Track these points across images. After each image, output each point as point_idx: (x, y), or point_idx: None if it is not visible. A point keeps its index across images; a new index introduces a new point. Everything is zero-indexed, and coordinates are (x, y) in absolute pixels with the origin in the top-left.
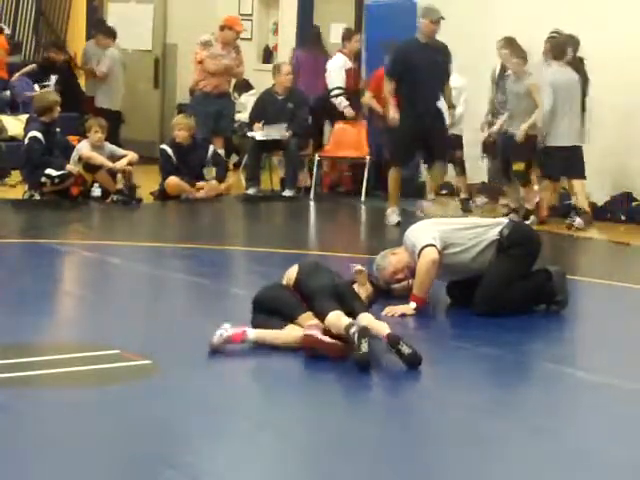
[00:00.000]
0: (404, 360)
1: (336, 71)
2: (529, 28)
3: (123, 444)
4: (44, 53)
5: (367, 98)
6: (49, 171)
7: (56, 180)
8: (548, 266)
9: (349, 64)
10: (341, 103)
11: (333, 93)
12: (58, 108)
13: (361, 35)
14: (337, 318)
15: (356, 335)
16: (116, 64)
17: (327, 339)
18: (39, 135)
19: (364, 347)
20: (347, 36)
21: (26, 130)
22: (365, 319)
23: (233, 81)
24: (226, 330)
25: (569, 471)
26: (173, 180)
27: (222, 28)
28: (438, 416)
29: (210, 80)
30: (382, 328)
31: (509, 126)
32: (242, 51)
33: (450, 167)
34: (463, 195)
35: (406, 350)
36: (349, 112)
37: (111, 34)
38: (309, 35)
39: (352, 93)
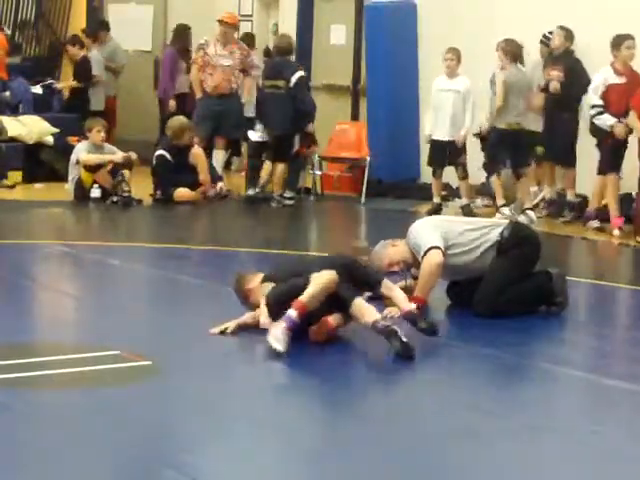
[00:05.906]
0: (402, 347)
1: (593, 87)
2: (529, 29)
3: (123, 444)
4: (61, 47)
5: (631, 119)
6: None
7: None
8: (549, 267)
9: (613, 78)
10: (606, 121)
11: (591, 112)
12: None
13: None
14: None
15: None
16: (99, 66)
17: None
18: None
19: None
20: (616, 42)
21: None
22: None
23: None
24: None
25: (569, 470)
26: (182, 192)
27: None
28: (438, 416)
29: (209, 81)
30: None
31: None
32: (252, 53)
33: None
34: (465, 200)
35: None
36: (620, 132)
37: (92, 35)
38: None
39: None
